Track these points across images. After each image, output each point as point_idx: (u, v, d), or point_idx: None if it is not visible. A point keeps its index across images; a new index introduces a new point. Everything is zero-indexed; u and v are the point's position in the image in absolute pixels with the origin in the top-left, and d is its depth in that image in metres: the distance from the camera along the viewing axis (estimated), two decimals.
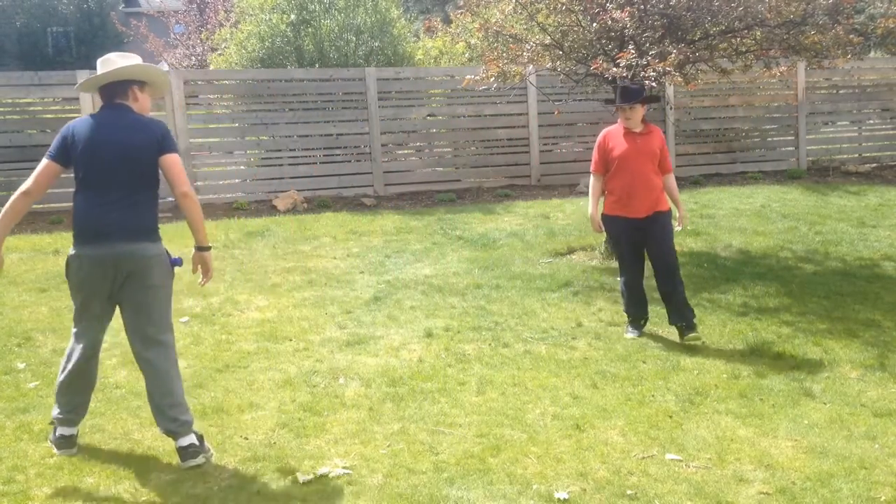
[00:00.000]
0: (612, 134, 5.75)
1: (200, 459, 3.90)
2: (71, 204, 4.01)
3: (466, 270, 7.46)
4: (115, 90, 4.04)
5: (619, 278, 6.00)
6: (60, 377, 4.05)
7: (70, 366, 4.02)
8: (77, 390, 4.04)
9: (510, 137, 11.97)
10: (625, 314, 5.95)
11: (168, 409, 3.91)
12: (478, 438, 4.18)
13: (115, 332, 5.86)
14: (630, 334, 5.77)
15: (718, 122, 12.72)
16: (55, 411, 4.06)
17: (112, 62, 4.03)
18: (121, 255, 3.89)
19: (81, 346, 4.03)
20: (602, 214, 5.82)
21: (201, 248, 4.12)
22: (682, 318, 5.61)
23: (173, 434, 3.91)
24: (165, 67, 17.92)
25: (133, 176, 3.94)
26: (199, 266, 4.17)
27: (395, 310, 6.36)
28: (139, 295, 3.96)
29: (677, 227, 5.81)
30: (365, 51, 12.38)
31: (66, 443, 4.04)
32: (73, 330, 4.09)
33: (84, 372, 4.04)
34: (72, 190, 3.99)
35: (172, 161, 3.97)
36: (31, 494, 3.67)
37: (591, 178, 5.88)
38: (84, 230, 3.95)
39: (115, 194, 3.92)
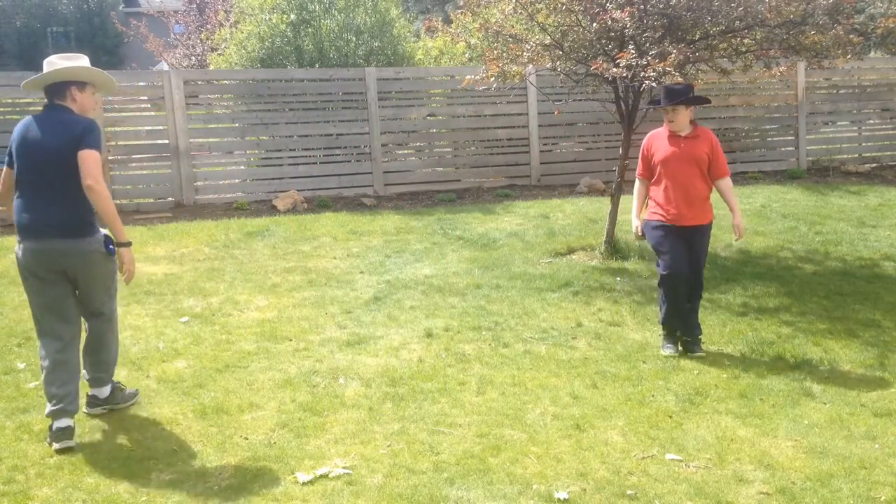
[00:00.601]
0: (657, 136, 5.44)
1: (99, 411, 4.49)
2: None
3: (466, 270, 7.46)
4: (54, 91, 4.20)
5: (658, 287, 5.46)
6: (42, 372, 4.26)
7: (45, 360, 4.22)
8: (59, 381, 4.16)
9: (510, 137, 11.97)
10: (660, 326, 5.53)
11: (93, 365, 4.45)
12: (478, 438, 4.18)
13: None
14: (667, 350, 5.37)
15: (718, 122, 12.71)
16: (47, 407, 4.16)
17: (53, 64, 4.17)
18: (56, 251, 4.12)
19: (48, 338, 4.23)
20: (644, 220, 5.46)
21: (118, 244, 4.21)
22: (691, 332, 5.40)
23: (89, 382, 4.46)
24: (165, 67, 17.93)
25: (59, 174, 4.08)
26: (120, 261, 4.26)
27: (395, 310, 6.36)
28: (82, 285, 4.26)
29: (735, 239, 5.50)
30: (365, 51, 12.38)
31: (63, 434, 4.10)
32: (37, 326, 4.31)
33: (60, 363, 4.19)
34: None
35: (84, 156, 4.03)
36: (31, 494, 3.67)
37: (636, 182, 5.58)
38: (21, 228, 4.15)
39: (45, 193, 4.10)
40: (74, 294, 4.29)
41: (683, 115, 5.34)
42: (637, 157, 5.68)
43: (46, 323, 4.23)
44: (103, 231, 4.28)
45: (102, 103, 4.44)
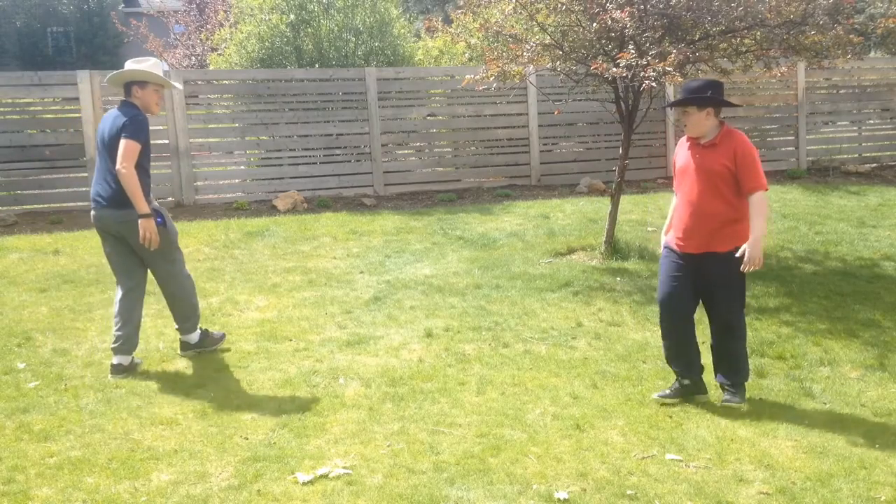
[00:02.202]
0: (682, 144, 4.67)
1: (190, 353, 5.37)
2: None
3: (466, 270, 7.46)
4: (124, 89, 5.14)
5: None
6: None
7: (115, 303, 5.20)
8: (117, 323, 5.12)
9: (510, 137, 11.97)
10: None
11: (174, 317, 5.41)
12: (478, 438, 4.18)
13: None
14: (658, 394, 4.70)
15: None
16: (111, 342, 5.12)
17: (125, 67, 5.02)
18: (106, 218, 5.09)
19: (117, 286, 5.28)
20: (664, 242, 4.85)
21: (139, 216, 4.96)
22: (728, 374, 4.61)
23: (178, 331, 5.40)
24: (165, 67, 17.92)
25: (110, 157, 5.00)
26: (142, 231, 4.99)
27: (395, 310, 6.36)
28: (135, 248, 5.12)
29: (745, 267, 4.39)
30: (364, 51, 12.38)
31: (114, 369, 5.06)
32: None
33: (119, 307, 5.15)
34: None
35: (122, 143, 4.89)
36: (31, 494, 3.67)
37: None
38: (91, 198, 5.17)
39: (102, 171, 5.09)
40: (133, 254, 5.17)
41: (697, 119, 4.47)
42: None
43: (113, 272, 5.28)
44: (155, 205, 5.10)
45: (157, 99, 5.25)
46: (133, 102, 5.08)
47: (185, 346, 5.41)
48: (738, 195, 4.41)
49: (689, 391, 4.64)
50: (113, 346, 5.10)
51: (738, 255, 4.34)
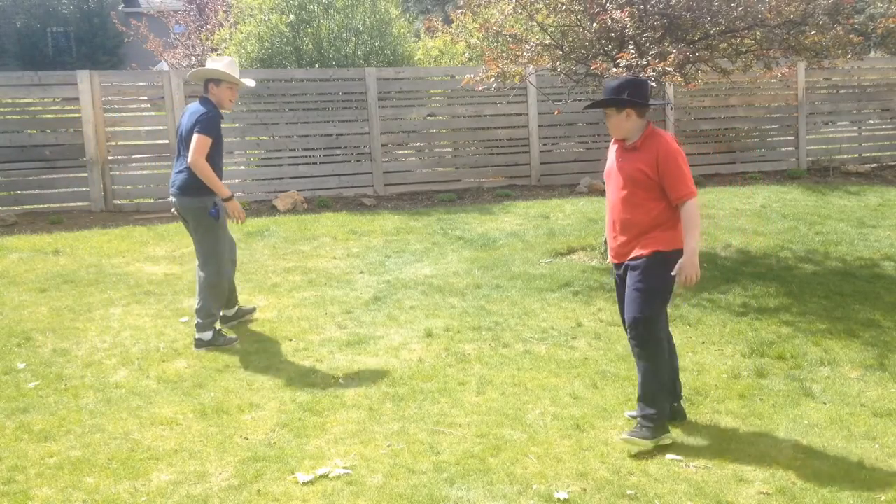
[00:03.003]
0: (611, 147, 4.38)
1: (202, 350, 5.49)
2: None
3: (466, 270, 7.46)
4: (203, 86, 5.62)
5: None
6: None
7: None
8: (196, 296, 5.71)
9: (510, 137, 11.97)
10: None
11: (196, 310, 5.60)
12: (478, 438, 4.18)
13: (116, 332, 5.89)
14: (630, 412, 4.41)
15: (718, 122, 12.72)
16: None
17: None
18: (177, 205, 5.56)
19: (196, 267, 5.79)
20: None
21: (224, 199, 5.49)
22: (638, 403, 4.18)
23: (196, 327, 5.58)
24: (165, 67, 17.93)
25: (184, 149, 5.46)
26: (230, 212, 5.52)
27: (395, 310, 6.36)
28: (191, 234, 5.69)
29: (677, 285, 4.08)
30: (364, 51, 12.38)
31: (198, 344, 5.54)
32: None
33: (198, 285, 5.67)
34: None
35: (195, 138, 5.36)
36: (30, 494, 3.67)
37: None
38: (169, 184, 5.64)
39: (177, 161, 5.57)
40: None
41: (617, 121, 4.14)
42: None
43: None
44: (213, 199, 5.48)
45: (230, 96, 5.76)
46: (209, 98, 5.56)
47: (198, 341, 5.59)
48: (660, 201, 4.05)
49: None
50: (195, 321, 5.64)
51: (673, 272, 4.01)
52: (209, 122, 5.41)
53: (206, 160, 5.38)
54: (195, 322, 5.59)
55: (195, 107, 5.53)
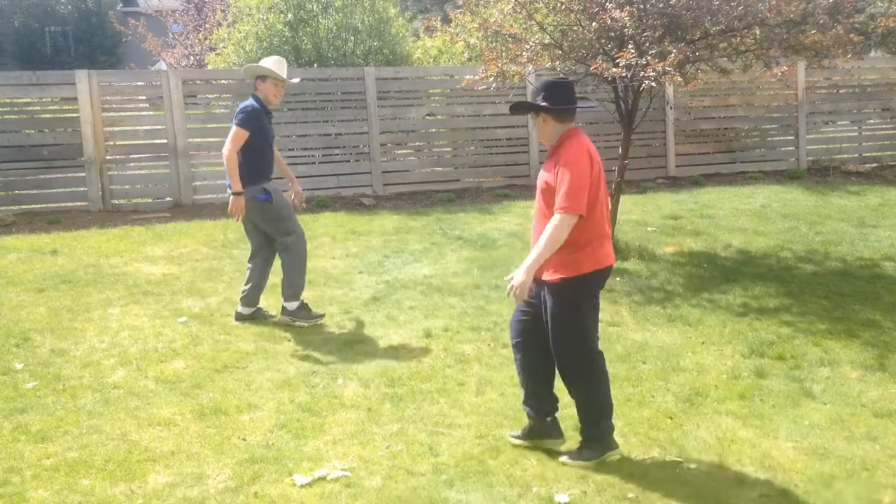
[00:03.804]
0: None
1: (286, 320, 5.96)
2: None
3: (465, 270, 7.44)
4: (253, 83, 5.92)
5: None
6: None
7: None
8: (246, 280, 6.19)
9: (509, 137, 11.95)
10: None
11: (282, 283, 6.03)
12: (477, 440, 4.16)
13: (114, 332, 5.87)
14: (511, 434, 4.17)
15: (718, 122, 12.70)
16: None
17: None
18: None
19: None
20: None
21: (232, 193, 5.73)
22: (579, 423, 4.03)
23: (283, 298, 5.99)
24: (164, 67, 17.91)
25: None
26: (231, 207, 5.78)
27: (394, 310, 6.34)
28: (254, 220, 5.99)
29: (509, 294, 3.74)
30: (363, 50, 12.35)
31: (238, 316, 6.08)
32: None
33: (250, 267, 6.19)
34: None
35: (231, 129, 5.73)
36: (26, 496, 3.65)
37: None
38: None
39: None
40: (250, 223, 6.01)
41: (540, 126, 3.97)
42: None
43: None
44: (263, 185, 5.81)
45: (277, 93, 5.97)
46: (257, 94, 5.86)
47: (283, 310, 5.98)
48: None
49: (536, 434, 4.06)
50: (240, 297, 6.11)
51: (506, 278, 3.84)
52: (246, 116, 5.73)
53: (249, 153, 5.73)
54: (283, 293, 5.99)
55: (244, 101, 5.91)
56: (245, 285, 6.11)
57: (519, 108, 4.06)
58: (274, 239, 6.02)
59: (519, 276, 3.70)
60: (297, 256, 5.98)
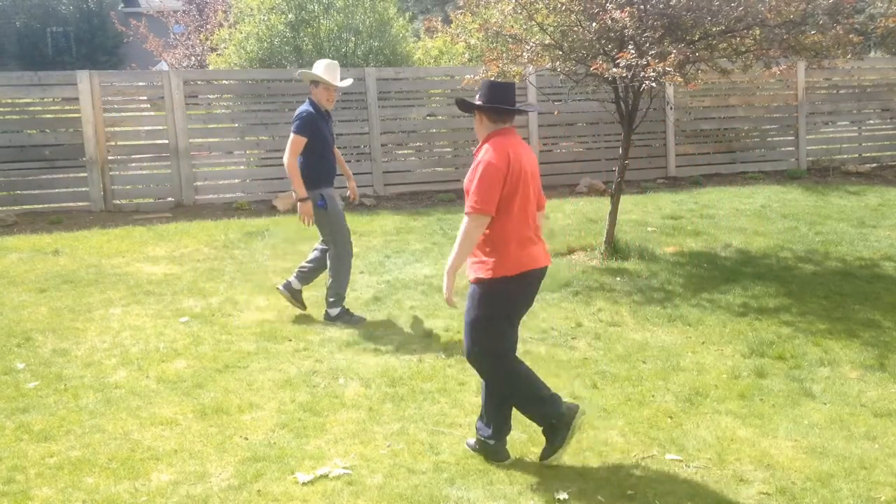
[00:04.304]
0: None
1: (327, 319, 6.09)
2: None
3: (466, 271, 7.45)
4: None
5: None
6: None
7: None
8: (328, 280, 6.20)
9: None
10: None
11: (327, 289, 6.10)
12: None
13: (115, 332, 5.89)
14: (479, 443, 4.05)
15: (718, 122, 12.72)
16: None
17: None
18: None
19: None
20: None
21: (298, 199, 5.91)
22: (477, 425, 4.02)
23: (326, 304, 6.12)
24: (165, 67, 17.92)
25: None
26: (300, 212, 5.96)
27: (395, 310, 6.35)
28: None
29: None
30: (364, 50, 12.38)
31: (326, 316, 6.14)
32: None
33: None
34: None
35: (289, 137, 5.90)
36: (30, 494, 3.67)
37: None
38: None
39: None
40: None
41: (476, 124, 3.98)
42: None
43: None
44: (322, 190, 5.94)
45: (328, 94, 6.05)
46: (311, 98, 6.01)
47: (326, 315, 6.12)
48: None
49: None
50: (296, 271, 6.26)
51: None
52: (301, 122, 5.89)
53: (310, 157, 5.90)
54: (327, 300, 6.13)
55: (299, 107, 6.04)
56: (306, 262, 6.25)
57: (460, 104, 4.01)
58: (325, 242, 6.17)
59: (447, 289, 3.73)
60: (341, 266, 6.08)
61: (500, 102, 3.86)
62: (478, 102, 3.89)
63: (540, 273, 3.86)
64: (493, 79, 4.01)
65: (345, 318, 6.07)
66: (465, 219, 3.70)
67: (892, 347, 5.42)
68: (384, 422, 4.38)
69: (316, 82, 5.98)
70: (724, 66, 7.65)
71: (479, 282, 3.77)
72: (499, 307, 3.78)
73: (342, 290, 6.11)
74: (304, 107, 5.99)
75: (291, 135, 5.88)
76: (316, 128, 5.93)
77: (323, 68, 5.99)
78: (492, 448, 3.93)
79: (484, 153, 3.77)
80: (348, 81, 6.29)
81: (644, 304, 6.43)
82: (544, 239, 3.97)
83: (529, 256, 3.78)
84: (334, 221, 6.04)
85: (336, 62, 6.15)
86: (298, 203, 5.91)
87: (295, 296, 6.21)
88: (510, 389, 3.88)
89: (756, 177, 12.37)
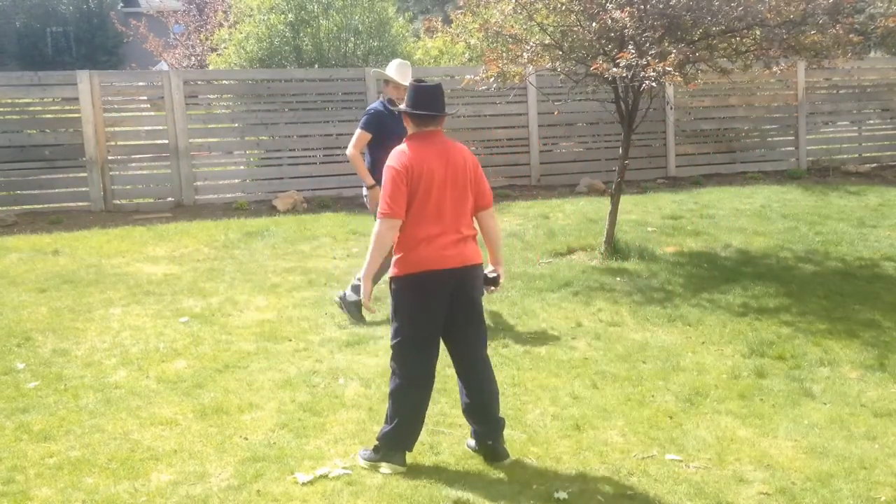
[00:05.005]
0: None
1: (336, 300, 6.20)
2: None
3: None
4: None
5: None
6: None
7: None
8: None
9: (510, 137, 11.96)
10: None
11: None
12: None
13: (115, 332, 5.89)
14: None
15: (718, 122, 12.72)
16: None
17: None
18: None
19: None
20: None
21: (368, 187, 6.14)
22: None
23: (350, 283, 6.15)
24: (165, 67, 17.92)
25: None
26: (370, 201, 6.08)
27: None
28: None
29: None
30: (364, 50, 12.38)
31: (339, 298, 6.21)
32: None
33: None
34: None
35: (356, 132, 6.12)
36: (30, 495, 3.67)
37: None
38: None
39: None
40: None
41: (406, 125, 4.11)
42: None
43: None
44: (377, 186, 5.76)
45: (401, 94, 5.81)
46: (387, 94, 6.14)
47: (344, 294, 6.14)
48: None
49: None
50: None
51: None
52: (367, 118, 6.09)
53: (377, 151, 5.94)
54: (352, 282, 6.15)
55: (371, 104, 6.30)
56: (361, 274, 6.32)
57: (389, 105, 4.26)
58: None
59: (363, 290, 3.88)
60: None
61: (423, 107, 3.95)
62: (404, 107, 3.99)
63: (448, 274, 3.83)
64: (419, 83, 4.08)
65: (354, 309, 6.06)
66: (376, 224, 3.81)
67: (892, 347, 5.42)
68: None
69: (387, 81, 6.13)
70: (724, 66, 7.64)
71: (393, 278, 3.89)
72: (406, 303, 3.85)
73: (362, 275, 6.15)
74: (374, 104, 6.22)
75: (357, 130, 6.11)
76: (381, 124, 6.05)
77: (394, 68, 6.12)
78: (390, 451, 3.86)
79: (389, 158, 3.88)
80: (408, 80, 6.29)
81: (644, 304, 6.43)
82: (485, 240, 4.07)
83: (438, 256, 3.81)
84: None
85: (407, 62, 6.30)
86: (369, 191, 6.12)
87: (349, 307, 6.16)
88: (399, 390, 3.88)
89: (756, 177, 12.37)
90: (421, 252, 3.80)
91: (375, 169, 6.01)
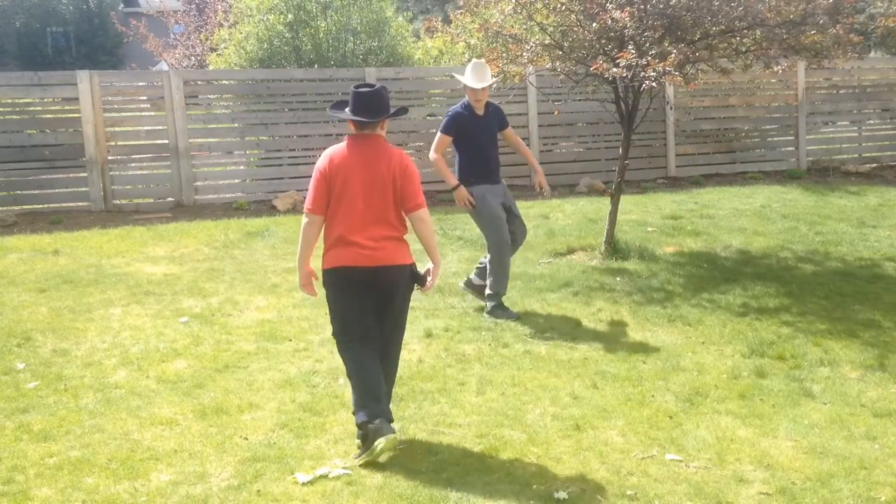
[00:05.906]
0: None
1: (484, 314, 6.14)
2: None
3: (466, 270, 7.44)
4: None
5: None
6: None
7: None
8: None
9: None
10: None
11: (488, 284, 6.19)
12: (477, 439, 4.17)
13: (115, 332, 5.89)
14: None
15: (718, 122, 12.72)
16: None
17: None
18: None
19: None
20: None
21: (451, 188, 6.30)
22: None
23: (486, 297, 6.21)
24: (165, 67, 17.92)
25: None
26: (457, 201, 6.36)
27: None
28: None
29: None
30: (363, 50, 12.38)
31: (466, 283, 6.53)
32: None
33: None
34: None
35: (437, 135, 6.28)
36: (30, 495, 3.67)
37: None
38: None
39: None
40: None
41: None
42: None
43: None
44: (472, 187, 6.21)
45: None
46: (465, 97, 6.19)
47: (486, 307, 6.17)
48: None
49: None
50: (478, 265, 6.47)
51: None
52: (446, 121, 6.22)
53: (462, 154, 6.25)
54: (485, 293, 6.24)
55: (452, 106, 6.35)
56: (485, 258, 6.34)
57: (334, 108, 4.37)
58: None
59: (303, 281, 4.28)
60: (494, 261, 6.15)
61: (360, 110, 4.12)
62: (346, 111, 4.17)
63: (359, 272, 4.10)
64: (358, 88, 4.20)
65: (499, 312, 6.09)
66: (302, 220, 4.18)
67: (892, 347, 5.42)
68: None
69: (464, 85, 6.14)
70: (724, 66, 7.64)
71: (322, 270, 4.23)
72: (329, 294, 4.22)
73: (497, 287, 6.14)
74: (455, 107, 6.29)
75: (438, 134, 6.26)
76: (461, 127, 6.14)
77: (469, 70, 6.10)
78: (367, 430, 3.92)
79: (319, 158, 4.17)
80: (487, 82, 6.13)
81: (644, 304, 6.43)
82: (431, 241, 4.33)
83: (347, 255, 4.11)
84: (483, 218, 6.20)
85: (482, 62, 6.26)
86: (454, 192, 6.26)
87: (478, 290, 6.33)
88: (350, 372, 4.13)
89: (756, 177, 12.37)
90: (333, 250, 4.14)
91: (461, 170, 6.27)
